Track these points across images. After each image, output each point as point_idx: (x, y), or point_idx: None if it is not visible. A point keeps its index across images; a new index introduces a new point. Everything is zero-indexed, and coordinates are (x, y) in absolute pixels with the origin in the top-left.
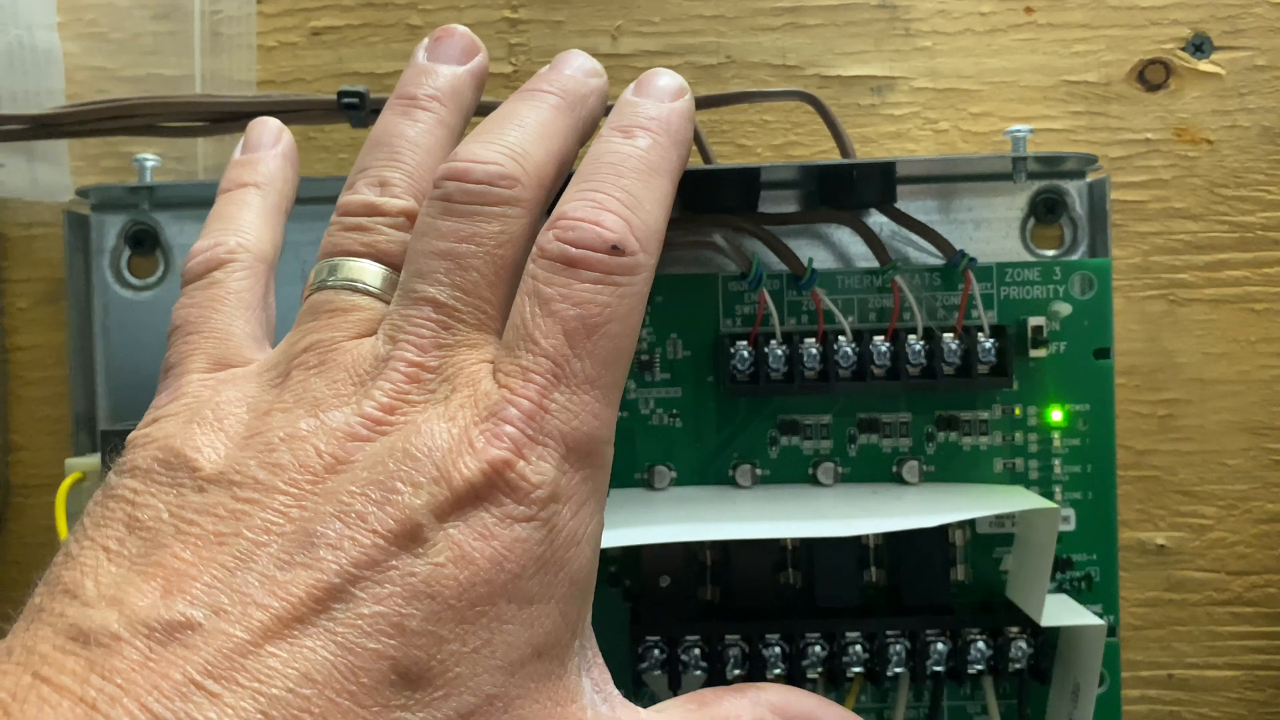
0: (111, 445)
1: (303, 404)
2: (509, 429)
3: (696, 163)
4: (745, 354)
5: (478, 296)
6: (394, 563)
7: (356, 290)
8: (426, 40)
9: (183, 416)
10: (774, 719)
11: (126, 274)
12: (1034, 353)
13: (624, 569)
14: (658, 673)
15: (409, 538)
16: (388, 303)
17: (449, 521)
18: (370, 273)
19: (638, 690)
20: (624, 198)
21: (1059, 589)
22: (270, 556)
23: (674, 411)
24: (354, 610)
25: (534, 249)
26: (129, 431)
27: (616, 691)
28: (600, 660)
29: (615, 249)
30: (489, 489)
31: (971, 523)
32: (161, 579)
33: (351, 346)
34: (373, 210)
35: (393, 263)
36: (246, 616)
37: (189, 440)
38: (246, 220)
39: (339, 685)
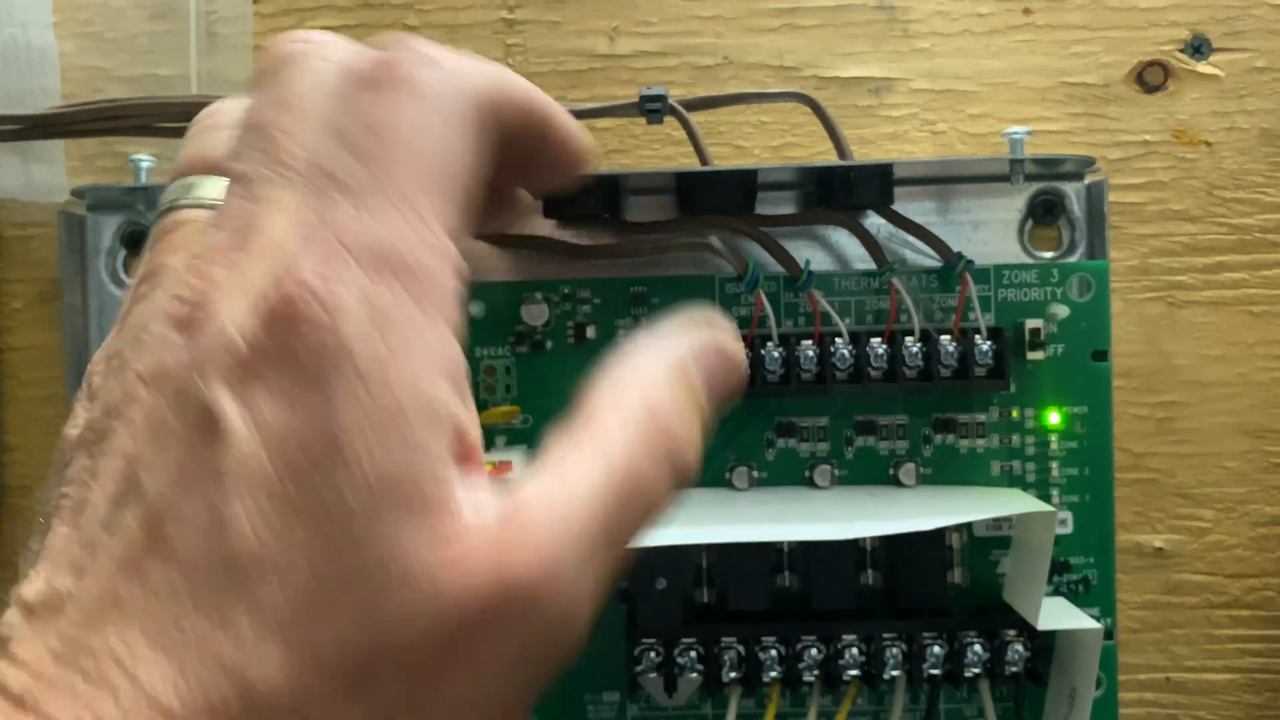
0: None
1: (124, 339)
2: (297, 273)
3: (693, 164)
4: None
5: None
6: (198, 458)
7: (191, 206)
8: None
9: None
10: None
11: (122, 274)
12: (1031, 355)
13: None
14: (654, 675)
15: (204, 428)
16: None
17: (245, 394)
18: (208, 183)
19: (634, 692)
20: None
21: (1056, 592)
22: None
23: None
24: (181, 523)
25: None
26: None
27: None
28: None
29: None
30: (278, 343)
31: (968, 525)
32: (44, 556)
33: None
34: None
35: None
36: (99, 569)
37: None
38: None
39: (187, 602)
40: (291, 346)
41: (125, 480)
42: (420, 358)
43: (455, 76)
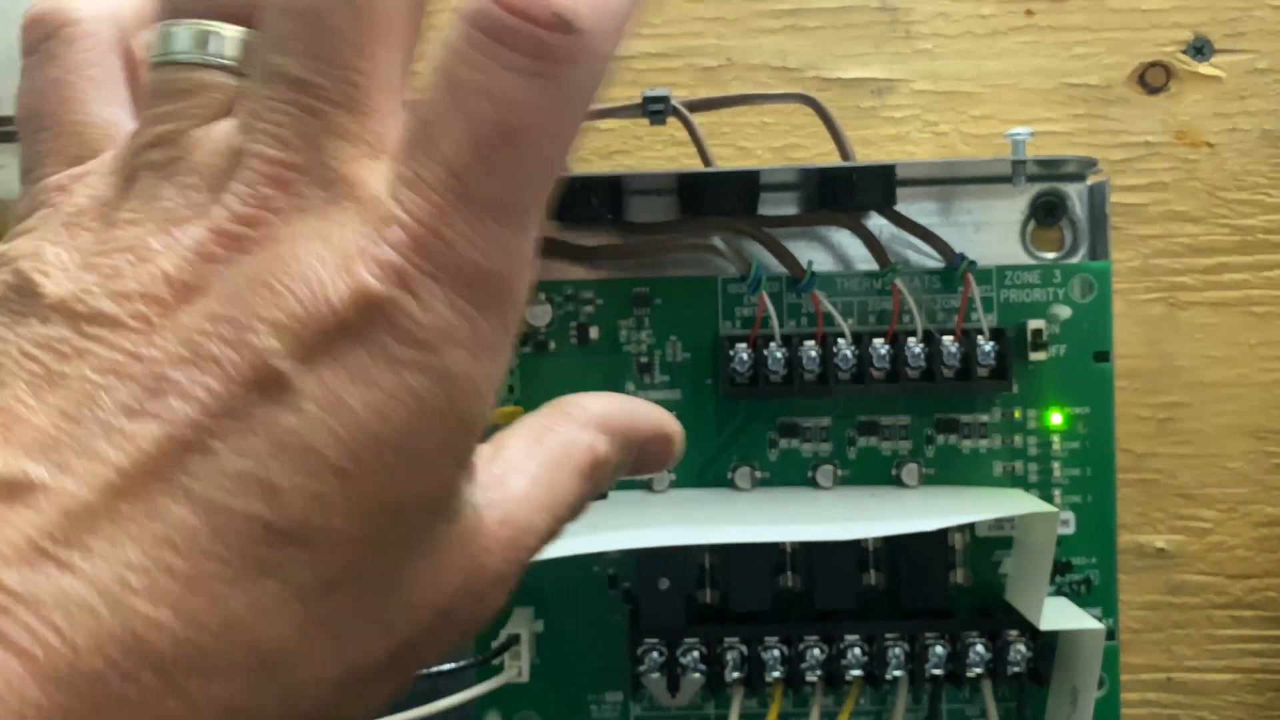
0: None
1: (153, 216)
2: (393, 256)
3: (696, 165)
4: (744, 356)
5: (345, 67)
6: (255, 412)
7: (208, 65)
8: None
9: (38, 232)
10: (604, 438)
11: None
12: (1033, 356)
13: (623, 571)
14: (656, 675)
15: (269, 384)
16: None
17: (317, 364)
18: (227, 40)
19: (637, 692)
20: None
21: (1058, 592)
22: (116, 403)
23: (673, 414)
24: (214, 466)
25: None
26: None
27: (473, 462)
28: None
29: (559, 21)
30: (367, 326)
31: (971, 526)
32: (1, 426)
33: (202, 137)
34: None
35: (255, 22)
36: (92, 473)
37: (37, 261)
38: None
39: (204, 548)
40: (379, 339)
41: (145, 389)
42: (492, 388)
43: None
